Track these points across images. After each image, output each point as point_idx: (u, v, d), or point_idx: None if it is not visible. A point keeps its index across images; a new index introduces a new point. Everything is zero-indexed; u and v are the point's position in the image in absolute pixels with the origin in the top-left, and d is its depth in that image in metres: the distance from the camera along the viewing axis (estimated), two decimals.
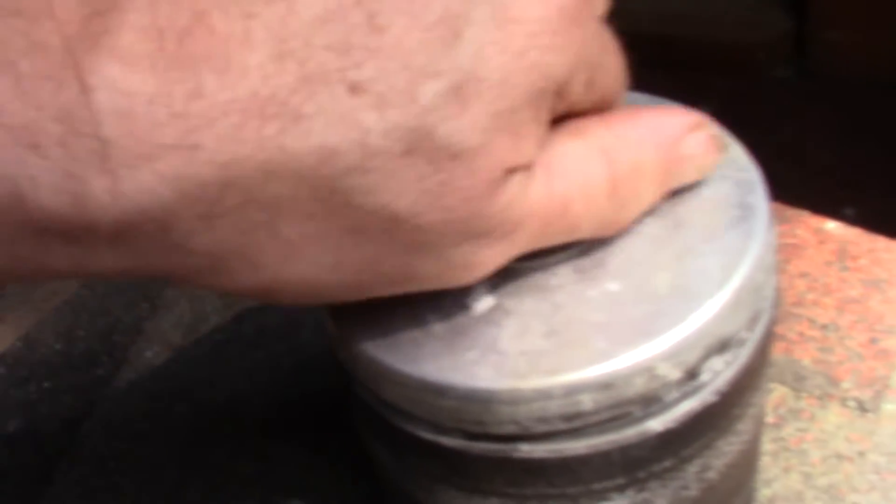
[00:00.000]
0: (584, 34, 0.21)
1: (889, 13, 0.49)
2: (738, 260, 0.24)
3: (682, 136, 0.25)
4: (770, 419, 0.40)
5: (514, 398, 0.23)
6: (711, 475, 0.28)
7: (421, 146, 0.19)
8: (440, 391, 0.24)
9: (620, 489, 0.26)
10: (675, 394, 0.24)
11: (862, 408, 0.40)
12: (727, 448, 0.27)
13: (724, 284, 0.24)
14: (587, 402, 0.23)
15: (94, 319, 0.56)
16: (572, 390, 0.23)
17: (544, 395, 0.23)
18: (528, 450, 0.25)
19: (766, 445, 0.39)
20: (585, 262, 0.25)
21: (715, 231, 0.25)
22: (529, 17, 0.20)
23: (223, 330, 0.52)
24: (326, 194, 0.19)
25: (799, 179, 0.47)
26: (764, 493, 0.37)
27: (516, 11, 0.20)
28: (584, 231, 0.24)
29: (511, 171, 0.21)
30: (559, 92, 0.22)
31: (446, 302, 0.25)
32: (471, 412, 0.24)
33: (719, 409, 0.26)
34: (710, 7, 0.56)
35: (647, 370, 0.23)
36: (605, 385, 0.23)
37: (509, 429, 0.24)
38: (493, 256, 0.22)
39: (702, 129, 0.26)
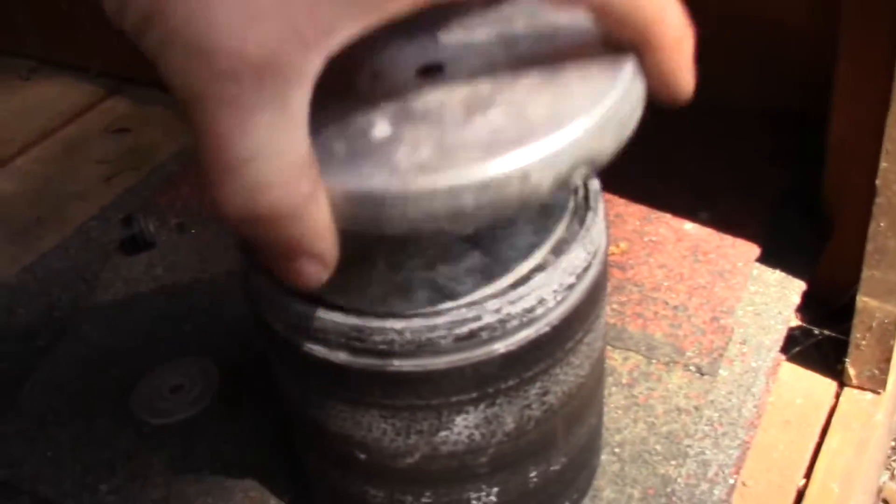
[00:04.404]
0: None
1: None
2: (603, 98, 0.27)
3: None
4: (624, 380, 0.47)
5: (405, 197, 0.25)
6: (551, 399, 0.34)
7: None
8: (341, 198, 0.26)
9: (474, 403, 0.32)
10: (516, 323, 0.31)
11: (701, 372, 0.47)
12: (563, 377, 0.34)
13: (590, 112, 0.27)
14: (468, 200, 0.25)
15: (34, 299, 0.61)
16: (455, 190, 0.25)
17: (430, 194, 0.25)
18: (398, 364, 0.31)
19: (620, 401, 0.46)
20: (473, 102, 0.28)
21: (588, 79, 0.28)
22: None
23: (155, 307, 0.57)
24: None
25: (664, 189, 0.55)
26: (615, 437, 0.44)
27: None
28: None
29: None
30: None
31: (349, 131, 0.28)
32: (366, 216, 0.26)
33: (552, 339, 0.32)
34: None
35: (523, 175, 0.26)
36: (484, 185, 0.25)
37: (401, 228, 0.26)
38: None
39: None
